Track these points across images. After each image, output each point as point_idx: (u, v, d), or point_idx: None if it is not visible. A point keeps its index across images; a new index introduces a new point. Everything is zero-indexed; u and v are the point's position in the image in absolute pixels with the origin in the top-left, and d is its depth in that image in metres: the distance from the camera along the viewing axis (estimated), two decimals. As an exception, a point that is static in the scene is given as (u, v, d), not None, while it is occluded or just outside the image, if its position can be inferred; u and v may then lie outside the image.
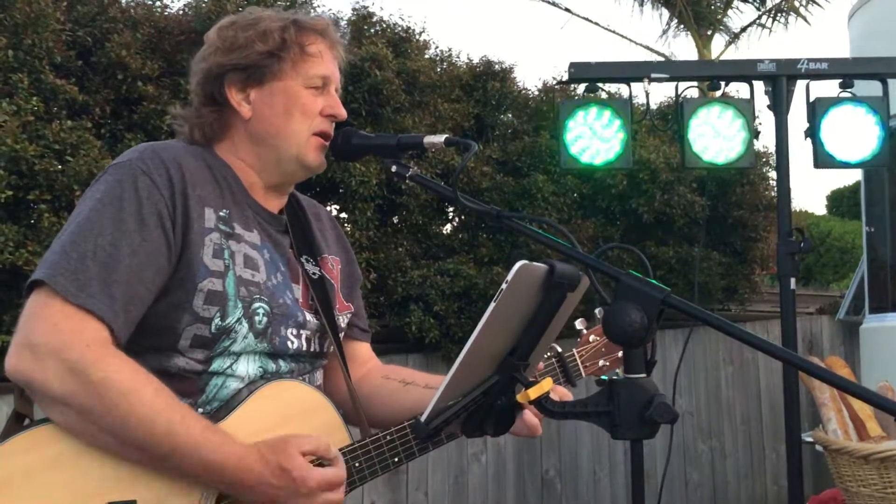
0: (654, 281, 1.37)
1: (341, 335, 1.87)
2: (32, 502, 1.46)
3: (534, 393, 1.40)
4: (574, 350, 1.97)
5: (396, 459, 1.70)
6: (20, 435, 1.49)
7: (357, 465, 1.67)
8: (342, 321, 1.88)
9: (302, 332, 1.73)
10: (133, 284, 1.52)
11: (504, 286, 1.33)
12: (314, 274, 1.81)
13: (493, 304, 1.33)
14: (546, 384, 1.41)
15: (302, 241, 1.83)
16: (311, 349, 1.76)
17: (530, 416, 1.77)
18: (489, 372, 1.44)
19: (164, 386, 1.52)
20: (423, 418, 1.38)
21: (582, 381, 1.99)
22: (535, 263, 1.37)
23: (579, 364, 1.97)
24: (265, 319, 1.66)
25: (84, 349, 1.46)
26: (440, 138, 1.62)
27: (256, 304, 1.65)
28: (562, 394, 1.80)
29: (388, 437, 1.70)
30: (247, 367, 1.65)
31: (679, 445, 6.06)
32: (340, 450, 1.65)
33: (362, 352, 1.99)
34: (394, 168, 1.67)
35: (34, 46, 3.92)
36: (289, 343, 1.70)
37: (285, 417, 1.64)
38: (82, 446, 1.50)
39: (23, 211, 3.74)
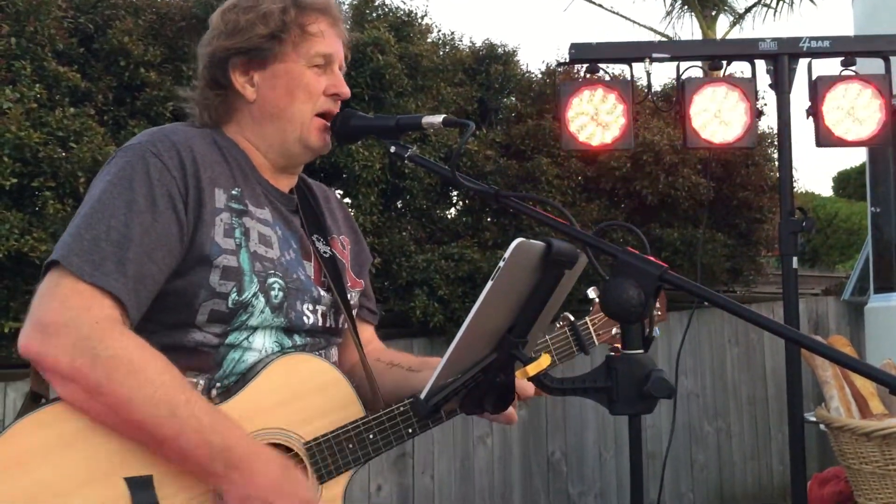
0: (651, 258, 1.38)
1: (354, 311, 1.90)
2: (48, 479, 1.48)
3: (532, 369, 1.41)
4: (587, 318, 1.98)
5: (410, 430, 1.72)
6: (36, 412, 1.51)
7: (371, 437, 1.69)
8: (353, 298, 1.90)
9: (317, 307, 1.76)
10: (145, 263, 1.54)
11: (501, 264, 1.33)
12: (325, 253, 1.83)
13: (490, 282, 1.34)
14: (544, 361, 1.42)
15: (312, 220, 1.86)
16: (327, 325, 1.79)
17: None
18: (488, 349, 1.45)
19: (171, 365, 1.52)
20: (422, 395, 1.40)
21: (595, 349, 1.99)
22: (532, 241, 1.38)
23: (592, 332, 1.98)
24: (281, 294, 1.68)
25: (93, 325, 1.47)
26: (438, 118, 1.63)
27: (272, 279, 1.68)
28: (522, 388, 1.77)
29: (402, 409, 1.72)
30: (263, 341, 1.68)
31: (685, 426, 6.07)
32: (353, 422, 1.68)
33: (365, 333, 2.01)
34: (393, 149, 1.68)
35: (36, 34, 3.93)
36: (304, 318, 1.73)
37: (299, 390, 1.67)
38: (91, 423, 1.51)
39: (27, 198, 3.75)
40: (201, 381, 1.62)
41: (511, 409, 1.77)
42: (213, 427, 1.51)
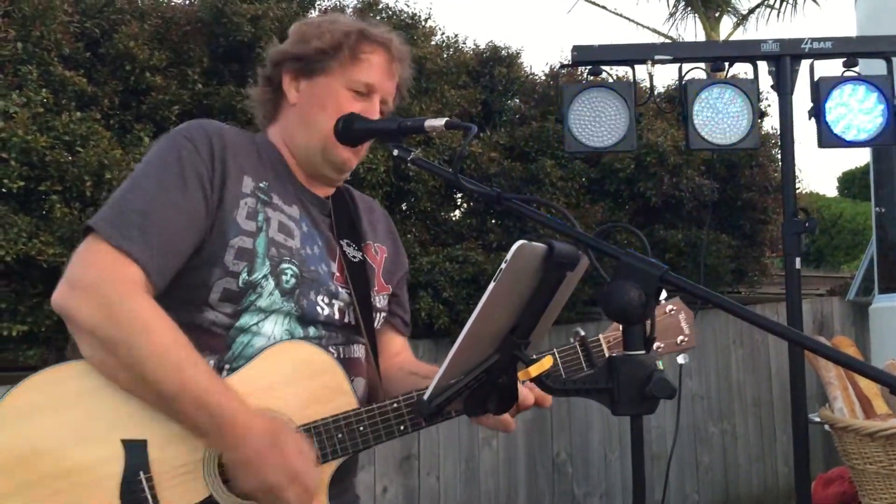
0: (652, 259, 1.39)
1: (379, 315, 1.94)
2: (50, 432, 1.57)
3: (534, 370, 1.42)
4: (600, 335, 1.97)
5: (402, 427, 1.74)
6: (52, 368, 1.62)
7: (361, 429, 1.71)
8: (380, 301, 1.94)
9: (334, 301, 1.80)
10: (171, 236, 1.64)
11: (503, 265, 1.35)
12: (354, 258, 1.89)
13: (492, 284, 1.35)
14: (546, 362, 1.43)
15: (347, 226, 1.92)
16: (346, 321, 1.83)
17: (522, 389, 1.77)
18: (490, 350, 1.46)
19: (182, 333, 1.60)
20: (425, 396, 1.41)
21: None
22: (534, 243, 1.39)
23: (605, 350, 1.96)
24: (293, 280, 1.74)
25: (115, 283, 1.58)
26: (441, 121, 1.65)
27: (285, 265, 1.74)
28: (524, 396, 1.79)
29: (395, 405, 1.74)
30: (273, 327, 1.72)
31: (689, 428, 6.07)
32: (345, 413, 1.71)
33: (396, 344, 2.05)
34: (395, 152, 1.70)
35: (43, 38, 3.96)
36: (318, 309, 1.77)
37: (292, 377, 1.70)
38: (103, 383, 1.60)
39: (34, 202, 3.78)
40: (211, 361, 1.68)
41: (507, 416, 1.79)
42: (212, 391, 1.58)
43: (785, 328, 1.40)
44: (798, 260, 3.33)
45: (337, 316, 1.80)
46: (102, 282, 1.59)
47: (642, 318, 1.38)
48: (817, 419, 3.43)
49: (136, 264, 1.60)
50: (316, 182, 1.89)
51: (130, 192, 1.67)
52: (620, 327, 1.95)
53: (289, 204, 1.81)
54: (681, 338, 2.02)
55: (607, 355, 1.96)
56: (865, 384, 3.11)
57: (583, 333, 1.94)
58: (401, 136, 1.72)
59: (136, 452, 1.59)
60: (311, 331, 1.76)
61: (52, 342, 3.69)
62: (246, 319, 1.70)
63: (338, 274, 1.84)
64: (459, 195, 5.58)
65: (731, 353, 6.39)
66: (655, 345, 1.98)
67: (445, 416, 1.74)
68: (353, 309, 1.84)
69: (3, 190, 3.65)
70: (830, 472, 3.66)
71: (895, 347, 4.72)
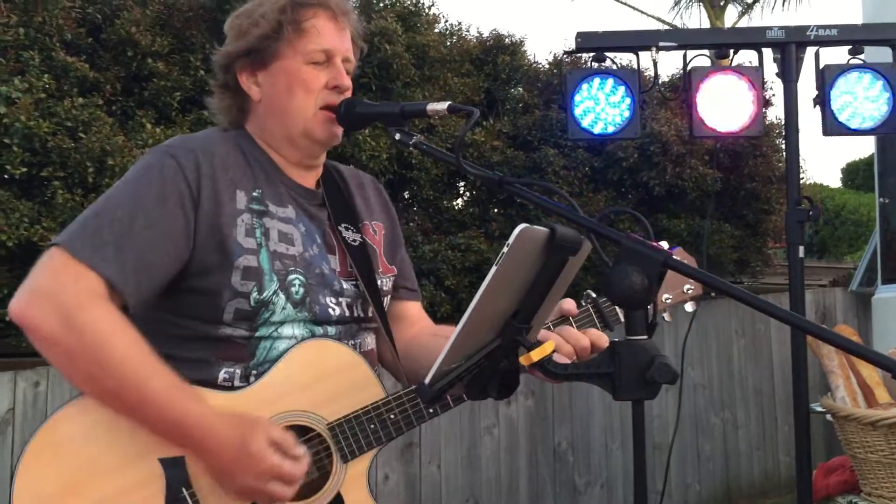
0: (655, 243, 1.38)
1: (386, 298, 1.93)
2: (89, 461, 1.59)
3: (536, 355, 1.41)
4: None
5: (431, 411, 1.76)
6: (77, 400, 1.62)
7: (392, 416, 1.73)
8: (386, 284, 1.93)
9: (341, 299, 1.80)
10: (146, 254, 1.60)
11: (505, 249, 1.34)
12: (354, 241, 1.86)
13: (494, 268, 1.34)
14: (548, 346, 1.43)
15: (342, 210, 1.89)
16: (354, 314, 1.82)
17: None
18: (492, 335, 1.45)
19: (141, 339, 1.58)
20: (426, 381, 1.40)
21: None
22: (536, 227, 1.38)
23: (617, 308, 1.96)
24: (302, 290, 1.73)
25: (75, 293, 1.55)
26: (443, 105, 1.64)
27: (292, 276, 1.73)
28: (596, 337, 1.79)
29: None
30: (293, 331, 1.73)
31: (691, 417, 6.08)
32: (374, 403, 1.72)
33: (412, 311, 2.03)
34: (397, 136, 1.69)
35: (45, 24, 3.95)
36: (329, 310, 1.77)
37: (319, 373, 1.72)
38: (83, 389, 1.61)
39: (37, 188, 3.78)
40: (238, 371, 1.68)
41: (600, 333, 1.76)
42: (172, 402, 1.57)
43: (788, 313, 1.40)
44: (801, 249, 3.32)
45: (347, 313, 1.80)
46: (62, 290, 1.55)
47: (644, 303, 1.37)
48: (819, 408, 3.43)
49: (102, 279, 1.56)
50: (303, 170, 1.85)
51: (104, 209, 1.63)
52: None
53: (283, 206, 1.78)
54: (687, 286, 2.02)
55: (619, 313, 1.94)
56: (867, 373, 3.10)
57: (594, 295, 1.94)
58: (403, 120, 1.70)
59: (175, 470, 1.61)
60: (329, 328, 1.77)
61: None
62: (263, 331, 1.70)
63: (339, 268, 1.83)
64: (462, 184, 5.57)
65: (732, 343, 6.39)
66: (665, 296, 1.98)
67: (455, 400, 1.75)
68: (360, 301, 1.84)
69: (6, 175, 3.66)
70: (832, 461, 3.65)
71: (898, 337, 4.71)
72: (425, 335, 1.98)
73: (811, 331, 1.42)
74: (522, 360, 1.43)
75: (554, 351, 1.45)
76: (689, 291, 2.03)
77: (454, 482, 5.07)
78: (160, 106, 4.29)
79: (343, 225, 1.87)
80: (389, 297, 1.94)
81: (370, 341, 1.87)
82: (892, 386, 3.11)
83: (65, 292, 1.55)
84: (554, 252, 1.41)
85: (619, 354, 1.39)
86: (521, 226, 1.35)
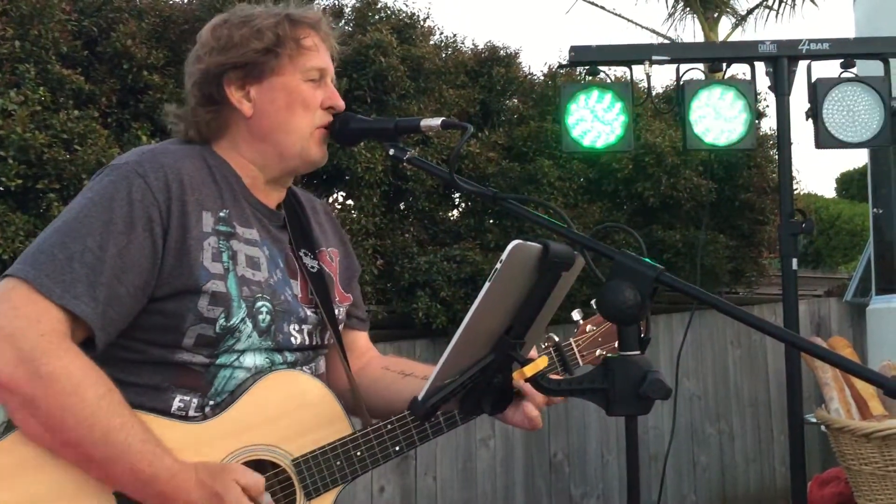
0: (648, 259, 1.39)
1: (341, 327, 1.89)
2: (39, 492, 1.50)
3: (529, 371, 1.42)
4: (571, 340, 1.97)
5: (398, 448, 1.73)
6: (16, 432, 1.52)
7: (358, 454, 1.70)
8: (341, 312, 1.89)
9: (303, 326, 1.76)
10: (115, 287, 1.53)
11: (499, 265, 1.35)
12: (312, 268, 1.82)
13: (487, 284, 1.35)
14: (542, 362, 1.44)
15: (300, 235, 1.84)
16: (313, 342, 1.79)
17: (530, 409, 1.75)
18: (485, 351, 1.46)
19: (112, 389, 1.51)
20: (420, 396, 1.41)
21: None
22: (529, 243, 1.39)
23: (577, 353, 1.97)
24: (268, 318, 1.68)
25: (38, 339, 1.46)
26: (437, 121, 1.65)
27: (259, 303, 1.67)
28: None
29: (389, 426, 1.73)
30: (253, 360, 1.67)
31: (687, 428, 6.08)
32: (341, 439, 1.69)
33: (360, 342, 2.01)
34: (392, 151, 1.69)
35: (40, 37, 3.95)
36: (292, 339, 1.73)
37: (286, 407, 1.67)
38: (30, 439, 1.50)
39: (32, 200, 3.77)
40: (195, 400, 1.62)
41: (536, 413, 1.75)
42: (143, 455, 1.50)
43: (779, 328, 1.41)
44: (795, 261, 3.34)
45: (307, 341, 1.77)
46: (25, 334, 1.45)
47: (637, 319, 1.38)
48: (813, 420, 3.44)
49: (64, 313, 1.48)
50: (272, 190, 1.79)
51: (72, 235, 1.52)
52: (587, 329, 1.99)
53: (249, 227, 1.71)
54: (599, 351, 2.00)
55: (578, 358, 1.95)
56: (861, 385, 3.11)
57: (557, 339, 1.94)
58: (397, 135, 1.71)
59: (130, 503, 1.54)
60: (287, 355, 1.73)
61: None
62: (224, 359, 1.64)
63: (300, 294, 1.78)
64: (457, 195, 5.58)
65: (728, 354, 6.40)
66: (598, 352, 1.97)
67: (449, 423, 1.74)
68: (319, 329, 1.80)
69: (1, 188, 3.66)
70: (826, 472, 3.66)
71: (892, 349, 4.72)
72: (375, 367, 1.95)
73: (801, 346, 1.44)
74: (516, 375, 1.44)
75: (548, 366, 1.46)
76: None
77: (450, 494, 5.06)
78: (155, 118, 4.28)
79: (302, 250, 1.82)
80: (342, 325, 1.90)
81: (322, 365, 1.84)
82: (885, 398, 3.12)
83: (28, 335, 1.45)
84: (547, 268, 1.42)
85: (612, 370, 1.39)
86: (515, 242, 1.36)
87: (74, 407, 1.46)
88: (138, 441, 1.51)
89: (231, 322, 1.63)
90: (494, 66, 5.90)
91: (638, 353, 1.41)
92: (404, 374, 1.91)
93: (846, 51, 3.52)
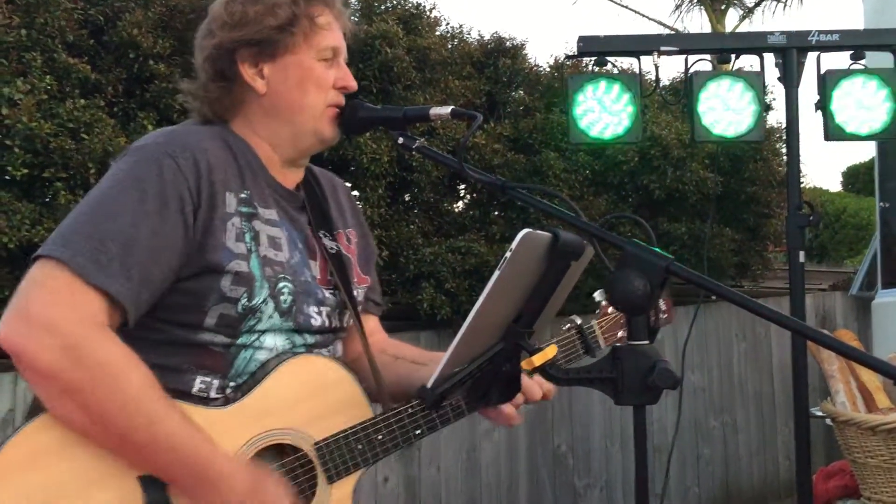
0: (658, 249, 1.39)
1: (360, 307, 1.88)
2: (63, 477, 1.49)
3: (538, 359, 1.42)
4: (593, 322, 1.97)
5: (418, 431, 1.73)
6: (38, 418, 1.51)
7: (380, 437, 1.70)
8: (360, 294, 1.89)
9: (322, 308, 1.76)
10: (149, 266, 1.53)
11: (508, 254, 1.34)
12: (331, 249, 1.82)
13: (497, 272, 1.35)
14: (550, 351, 1.43)
15: (319, 216, 1.84)
16: (332, 325, 1.79)
17: (508, 407, 1.77)
18: (494, 339, 1.46)
19: (151, 375, 1.51)
20: (429, 384, 1.41)
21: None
22: (539, 232, 1.39)
23: (598, 335, 1.97)
24: (290, 298, 1.68)
25: (77, 325, 1.45)
26: (446, 109, 1.64)
27: (282, 284, 1.67)
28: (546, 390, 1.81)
29: (410, 410, 1.73)
30: (274, 341, 1.67)
31: (691, 421, 6.08)
32: (362, 423, 1.69)
33: (371, 325, 2.01)
34: (400, 140, 1.69)
35: (46, 25, 3.94)
36: (312, 320, 1.73)
37: (308, 391, 1.67)
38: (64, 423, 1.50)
39: (38, 189, 3.77)
40: (215, 382, 1.62)
41: (512, 409, 1.78)
42: (186, 442, 1.50)
43: (787, 318, 1.40)
44: (802, 254, 3.33)
45: (327, 323, 1.77)
46: (64, 321, 1.44)
47: (646, 309, 1.38)
48: (819, 413, 3.43)
49: (103, 298, 1.47)
50: (290, 169, 1.79)
51: (105, 215, 1.52)
52: (610, 310, 1.99)
53: (269, 207, 1.71)
54: (621, 333, 2.00)
55: (601, 340, 1.96)
56: (867, 378, 3.11)
57: (579, 321, 1.95)
58: (405, 124, 1.71)
59: (154, 488, 1.52)
60: (307, 337, 1.73)
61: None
62: (245, 339, 1.64)
63: (319, 276, 1.78)
64: (463, 186, 5.57)
65: (733, 347, 6.39)
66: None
67: (456, 413, 1.74)
68: (338, 312, 1.80)
69: (7, 177, 3.65)
70: (831, 465, 3.66)
71: (898, 342, 4.71)
72: (374, 350, 1.93)
73: (810, 335, 1.43)
74: (524, 364, 1.44)
75: (556, 355, 1.46)
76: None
77: (454, 485, 5.07)
78: (161, 108, 4.27)
79: (321, 231, 1.82)
80: (360, 308, 1.90)
81: (340, 349, 1.84)
82: (891, 391, 3.11)
83: (67, 323, 1.44)
84: (557, 257, 1.42)
85: (620, 359, 1.39)
86: (525, 231, 1.36)
87: (120, 392, 1.46)
88: (180, 427, 1.50)
89: (253, 302, 1.63)
90: (500, 57, 5.88)
91: (646, 342, 1.40)
92: (395, 358, 1.92)
93: (856, 42, 3.50)
